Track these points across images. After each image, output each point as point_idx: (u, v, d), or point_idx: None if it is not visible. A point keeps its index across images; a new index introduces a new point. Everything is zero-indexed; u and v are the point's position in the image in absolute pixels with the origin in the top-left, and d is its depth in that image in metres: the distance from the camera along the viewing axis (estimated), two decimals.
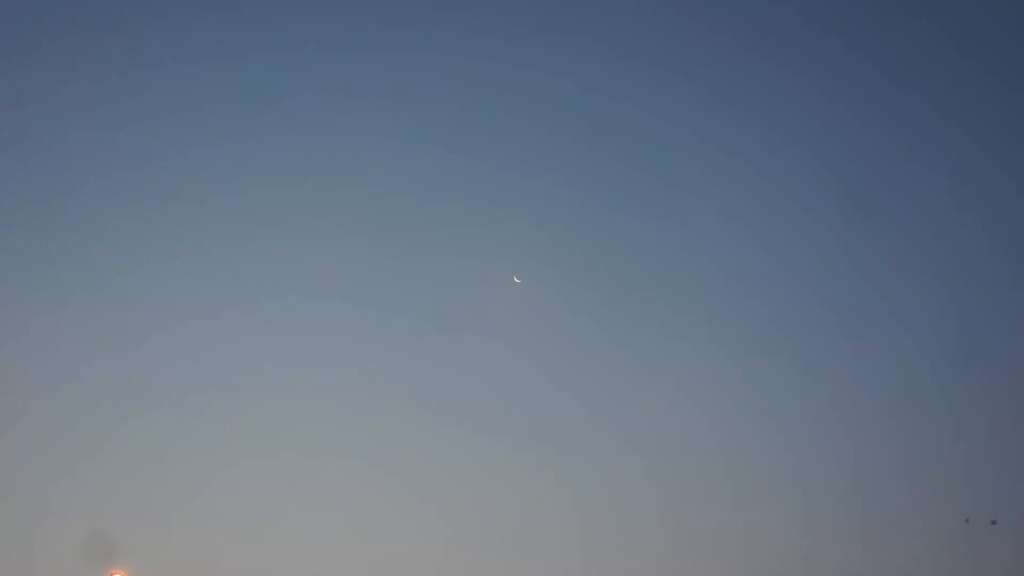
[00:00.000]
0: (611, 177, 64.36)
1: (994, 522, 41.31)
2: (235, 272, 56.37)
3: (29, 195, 53.22)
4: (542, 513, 47.79)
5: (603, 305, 60.05)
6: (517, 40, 62.72)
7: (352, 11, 62.24)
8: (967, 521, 41.63)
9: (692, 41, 64.71)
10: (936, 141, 61.16)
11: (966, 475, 46.84)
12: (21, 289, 49.22)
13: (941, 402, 50.86)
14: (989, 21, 59.12)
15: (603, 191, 64.12)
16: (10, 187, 52.95)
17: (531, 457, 51.42)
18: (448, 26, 62.59)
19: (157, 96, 57.72)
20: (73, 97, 55.68)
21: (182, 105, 58.28)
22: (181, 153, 57.77)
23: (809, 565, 43.49)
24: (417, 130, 62.17)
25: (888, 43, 61.87)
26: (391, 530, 44.44)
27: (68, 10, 56.84)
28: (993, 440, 48.41)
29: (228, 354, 52.18)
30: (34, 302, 48.69)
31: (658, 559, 44.99)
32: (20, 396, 44.18)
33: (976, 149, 59.77)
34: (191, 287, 53.50)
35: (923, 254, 58.49)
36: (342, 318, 56.61)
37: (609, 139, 64.19)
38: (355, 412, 52.62)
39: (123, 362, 47.98)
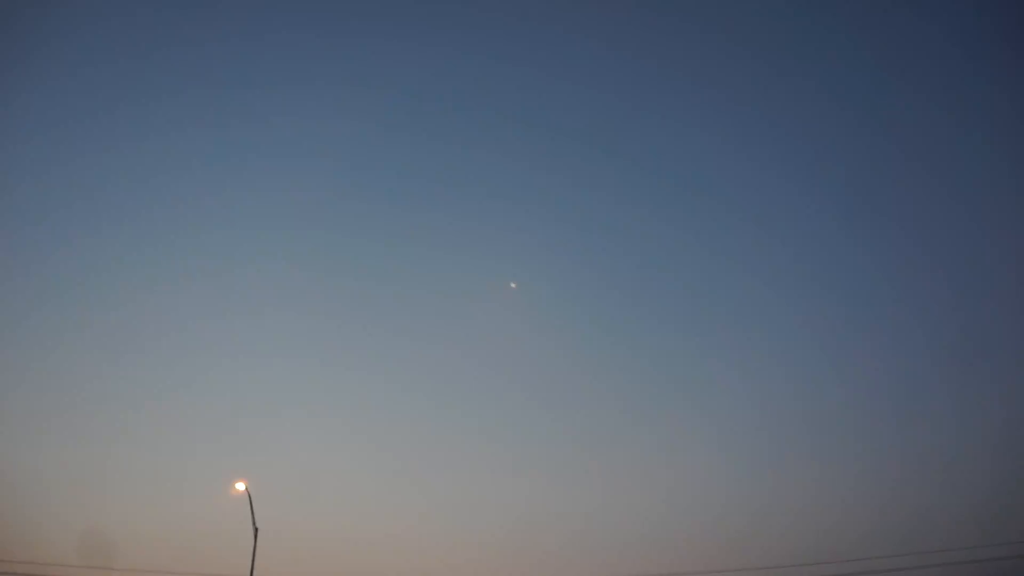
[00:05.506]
0: (609, 181, 64.68)
1: None
2: (240, 278, 58.06)
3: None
4: (539, 514, 47.87)
5: (598, 309, 60.22)
6: (516, 44, 63.52)
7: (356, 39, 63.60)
8: None
9: (694, 44, 64.91)
10: (941, 139, 60.62)
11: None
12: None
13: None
14: (995, 18, 58.54)
15: (601, 195, 64.45)
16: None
17: (528, 462, 51.56)
18: (446, 27, 63.52)
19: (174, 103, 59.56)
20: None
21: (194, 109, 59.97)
22: (191, 164, 59.69)
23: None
24: (416, 135, 63.20)
25: (896, 41, 61.49)
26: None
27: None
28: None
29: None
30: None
31: (656, 562, 44.80)
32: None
33: (981, 146, 59.15)
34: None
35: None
36: (340, 323, 57.47)
37: (608, 143, 64.56)
38: (353, 412, 53.55)
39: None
